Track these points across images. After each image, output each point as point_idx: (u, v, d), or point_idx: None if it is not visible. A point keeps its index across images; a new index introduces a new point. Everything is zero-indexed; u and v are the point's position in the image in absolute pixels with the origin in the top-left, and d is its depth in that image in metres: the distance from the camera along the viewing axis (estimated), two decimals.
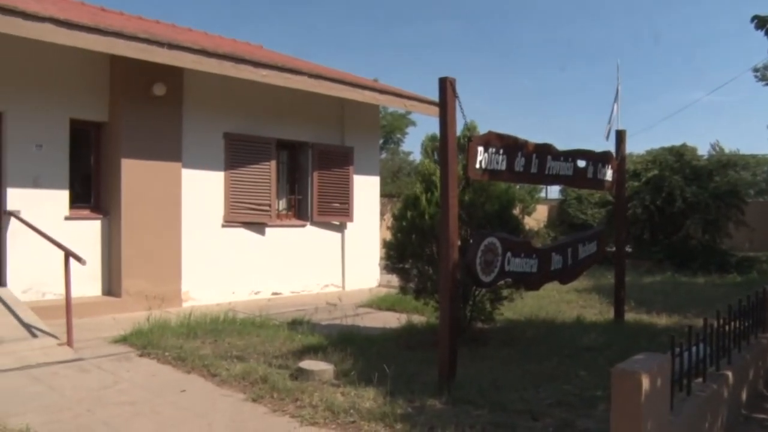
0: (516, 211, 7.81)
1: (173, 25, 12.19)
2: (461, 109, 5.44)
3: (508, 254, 5.81)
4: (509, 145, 5.90)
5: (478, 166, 5.55)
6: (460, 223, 5.76)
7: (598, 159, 7.62)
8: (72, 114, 9.15)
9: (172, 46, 8.73)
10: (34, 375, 5.78)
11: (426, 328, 7.78)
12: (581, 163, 7.27)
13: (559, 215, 22.04)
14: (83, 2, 11.27)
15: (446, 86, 5.30)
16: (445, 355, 5.29)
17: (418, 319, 8.38)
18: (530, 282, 6.46)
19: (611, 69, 43.39)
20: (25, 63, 8.66)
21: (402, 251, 7.34)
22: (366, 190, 12.57)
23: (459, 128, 5.55)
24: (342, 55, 56.21)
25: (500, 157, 5.79)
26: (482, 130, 7.93)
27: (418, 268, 7.31)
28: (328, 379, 5.43)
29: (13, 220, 8.48)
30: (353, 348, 6.38)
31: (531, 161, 6.28)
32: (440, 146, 5.48)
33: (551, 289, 10.03)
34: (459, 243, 5.51)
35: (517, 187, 14.42)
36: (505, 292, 7.41)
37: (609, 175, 7.91)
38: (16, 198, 8.59)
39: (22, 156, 8.67)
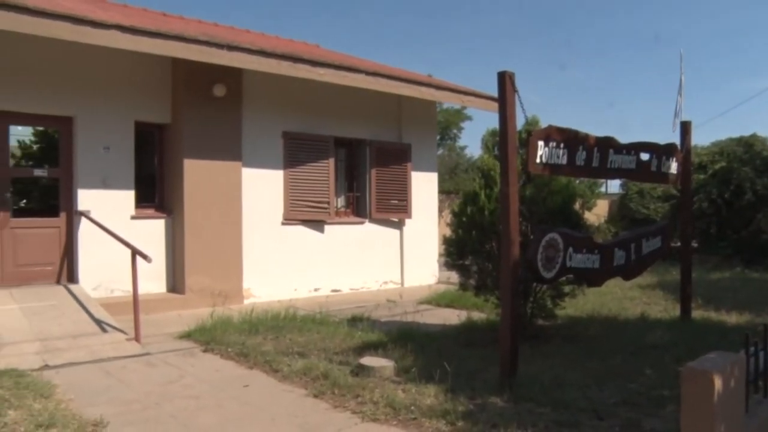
0: (576, 206, 7.67)
1: (232, 27, 12.42)
2: (521, 103, 5.38)
3: (570, 250, 5.70)
4: (570, 139, 5.79)
5: (538, 160, 5.47)
6: (521, 219, 5.69)
7: (663, 151, 7.40)
8: (137, 117, 9.43)
9: (231, 48, 8.89)
10: (105, 368, 5.98)
11: (486, 325, 7.71)
12: (644, 156, 7.07)
13: (620, 210, 21.46)
14: (146, 9, 11.61)
15: (505, 80, 5.23)
16: (507, 353, 5.23)
17: (477, 316, 8.32)
18: (592, 278, 6.32)
19: (674, 58, 42.02)
20: (92, 69, 8.96)
21: (462, 247, 7.29)
22: (424, 187, 12.54)
23: (518, 123, 5.47)
24: (397, 52, 56.16)
25: (561, 151, 5.69)
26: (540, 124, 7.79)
27: (478, 264, 7.26)
28: (388, 376, 5.43)
29: (83, 219, 8.80)
30: (413, 345, 6.36)
31: (593, 155, 6.14)
32: (500, 141, 5.42)
33: (613, 285, 9.80)
34: (520, 239, 5.44)
35: (577, 181, 14.15)
36: (566, 289, 7.29)
37: (674, 168, 7.67)
38: (87, 198, 8.90)
39: (92, 158, 8.98)
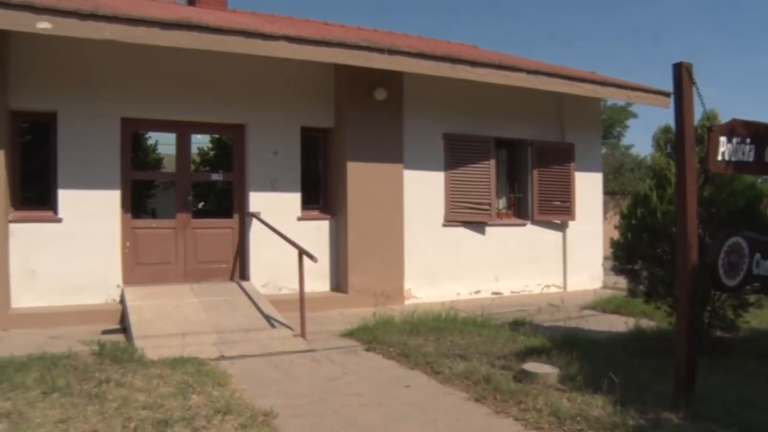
0: (762, 208, 6.99)
1: (390, 32, 12.67)
2: (699, 96, 4.95)
3: (757, 256, 5.17)
4: (759, 133, 5.24)
5: (720, 158, 5.01)
6: (698, 222, 5.26)
7: None
8: (303, 122, 9.85)
9: (391, 52, 9.03)
10: (273, 362, 6.27)
11: (657, 334, 7.23)
12: None
13: None
14: (308, 19, 12.14)
15: (681, 72, 4.85)
16: (682, 365, 4.84)
17: (646, 323, 7.84)
18: None
19: None
20: (262, 79, 9.48)
21: (631, 251, 6.89)
22: (588, 188, 12.05)
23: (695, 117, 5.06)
24: (558, 49, 54.67)
25: (747, 146, 5.17)
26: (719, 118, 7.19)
27: (649, 269, 6.82)
28: (552, 383, 5.23)
29: (254, 220, 9.33)
30: (578, 352, 6.08)
31: None
32: (676, 138, 5.03)
33: None
34: (697, 243, 5.02)
35: (758, 180, 12.94)
36: (751, 298, 6.65)
37: None
38: (257, 201, 9.44)
39: (261, 163, 9.51)
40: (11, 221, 8.08)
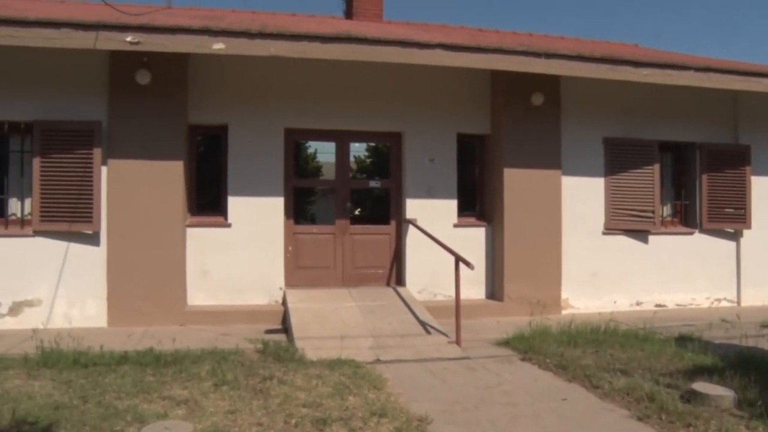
0: None
1: (545, 35, 12.41)
2: None
3: None
4: None
5: None
6: None
7: None
8: (459, 129, 9.86)
9: (548, 56, 8.82)
10: (428, 368, 6.32)
11: None
12: None
13: None
14: (463, 26, 12.15)
15: None
16: None
17: None
18: None
19: None
20: (417, 87, 9.61)
21: None
22: (766, 193, 11.03)
23: None
24: (735, 43, 50.61)
25: None
26: None
27: None
28: (727, 407, 4.83)
29: (410, 227, 9.46)
30: (757, 374, 5.56)
31: None
32: None
33: None
34: None
35: None
36: None
37: None
38: (413, 207, 9.57)
39: (418, 170, 9.64)
40: (188, 226, 8.81)
